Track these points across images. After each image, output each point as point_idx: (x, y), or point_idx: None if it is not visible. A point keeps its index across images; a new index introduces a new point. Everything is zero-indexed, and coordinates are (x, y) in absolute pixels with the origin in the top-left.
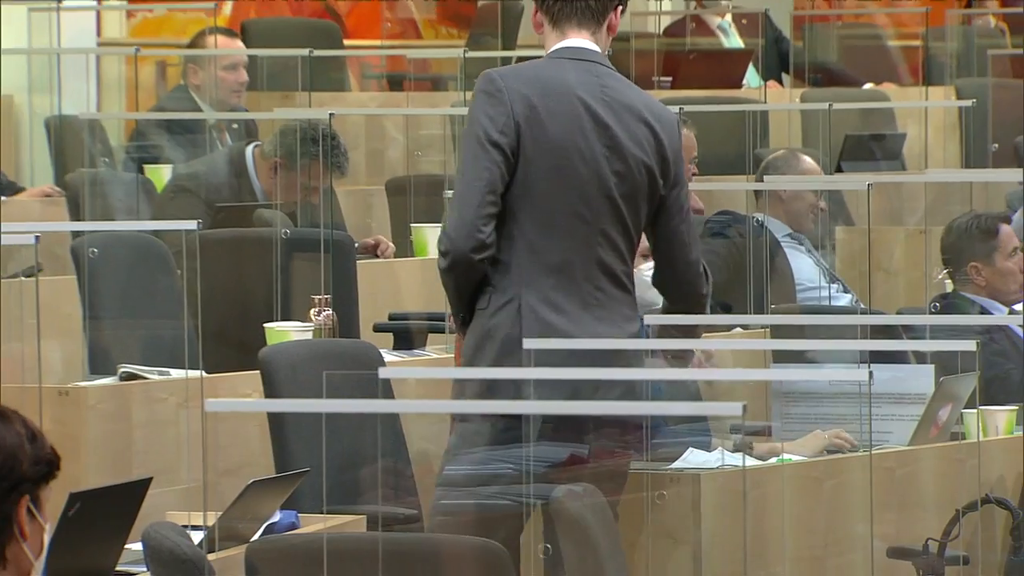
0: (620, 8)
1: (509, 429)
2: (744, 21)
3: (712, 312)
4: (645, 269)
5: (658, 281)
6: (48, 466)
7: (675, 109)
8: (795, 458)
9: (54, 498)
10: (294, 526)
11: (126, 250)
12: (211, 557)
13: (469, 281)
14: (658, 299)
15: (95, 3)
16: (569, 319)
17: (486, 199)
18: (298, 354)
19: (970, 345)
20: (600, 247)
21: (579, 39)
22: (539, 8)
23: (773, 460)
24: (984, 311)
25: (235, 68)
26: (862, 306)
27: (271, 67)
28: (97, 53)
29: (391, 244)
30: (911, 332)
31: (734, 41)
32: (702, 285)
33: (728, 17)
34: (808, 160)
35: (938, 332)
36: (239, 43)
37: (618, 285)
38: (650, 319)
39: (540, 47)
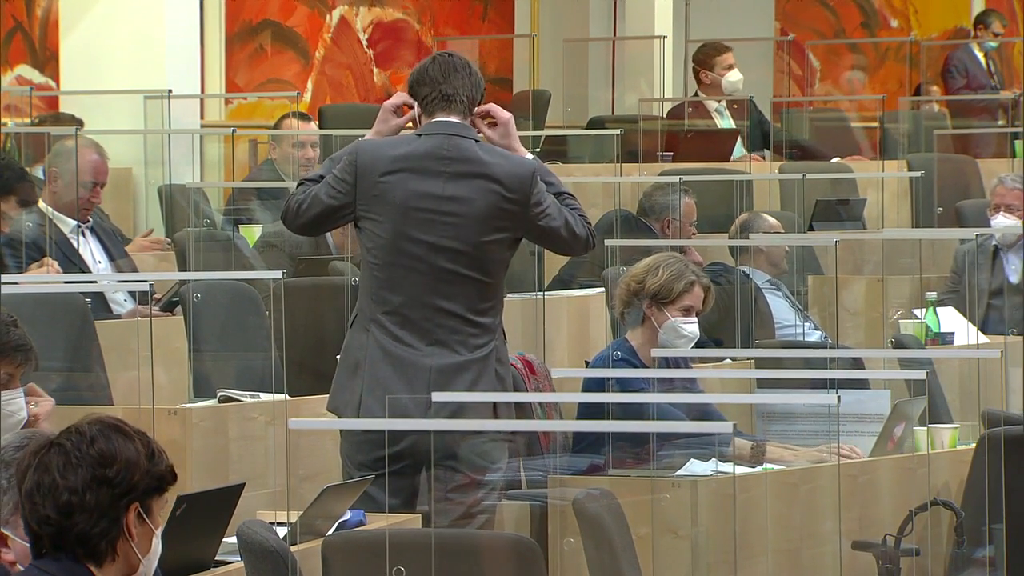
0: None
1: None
2: (735, 106)
3: (703, 345)
4: (681, 322)
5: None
6: (159, 481)
7: (675, 179)
8: (776, 467)
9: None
10: (362, 523)
11: (224, 295)
12: (294, 549)
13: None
14: (679, 345)
15: (199, 92)
16: (412, 350)
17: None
18: None
19: (920, 374)
20: (435, 294)
21: (446, 116)
22: (417, 102)
23: (758, 469)
24: None
25: (303, 146)
26: (830, 341)
27: (343, 144)
28: (200, 133)
29: None
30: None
31: (727, 121)
32: (583, 245)
33: (724, 102)
34: (769, 218)
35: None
36: (312, 125)
37: (462, 321)
38: (656, 352)
39: (565, 127)
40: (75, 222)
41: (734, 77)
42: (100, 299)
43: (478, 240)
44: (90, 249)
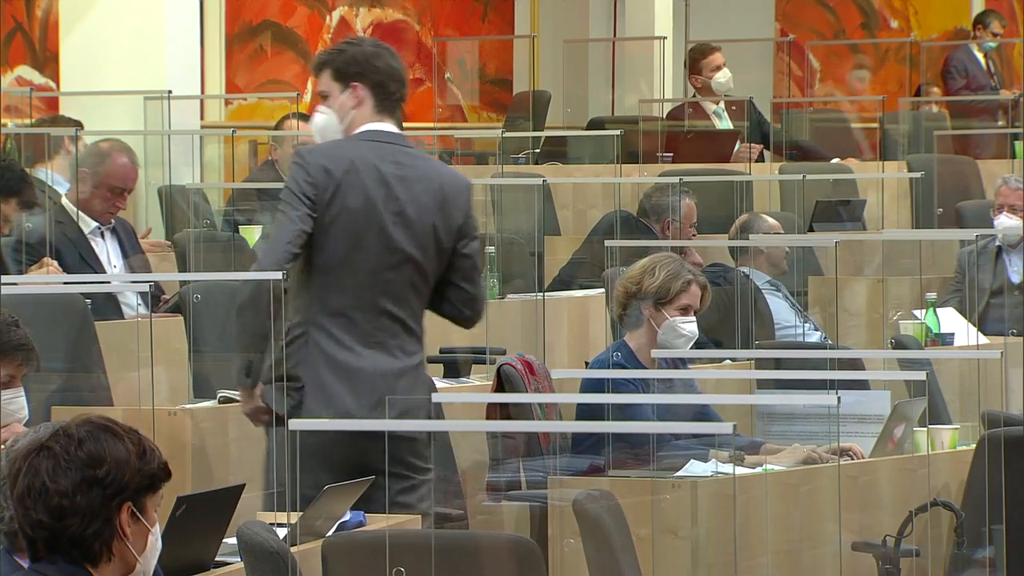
0: None
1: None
2: (734, 108)
3: (703, 347)
4: (679, 321)
5: (439, 303)
6: (151, 479)
7: (675, 179)
8: (776, 467)
9: (165, 500)
10: (362, 524)
11: (223, 295)
12: (294, 550)
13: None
14: (679, 345)
15: (199, 93)
16: (352, 354)
17: (295, 236)
18: None
19: (920, 375)
20: (383, 297)
21: (385, 124)
22: (370, 91)
23: (758, 469)
24: None
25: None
26: (830, 342)
27: None
28: (200, 134)
29: None
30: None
31: (725, 123)
32: (480, 307)
33: (722, 103)
34: (769, 219)
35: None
36: None
37: (403, 328)
38: (656, 353)
39: (565, 128)
40: (96, 223)
41: (722, 78)
42: (113, 301)
43: (425, 245)
44: (107, 251)
